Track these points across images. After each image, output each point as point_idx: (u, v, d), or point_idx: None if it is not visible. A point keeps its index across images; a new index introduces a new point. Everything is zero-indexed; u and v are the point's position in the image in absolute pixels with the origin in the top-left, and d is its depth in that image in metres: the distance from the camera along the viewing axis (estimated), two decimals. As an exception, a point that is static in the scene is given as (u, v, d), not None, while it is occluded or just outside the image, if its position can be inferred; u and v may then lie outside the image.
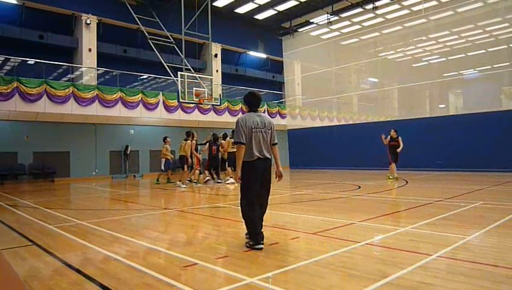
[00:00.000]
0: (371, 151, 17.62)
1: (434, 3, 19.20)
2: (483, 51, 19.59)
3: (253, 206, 4.25)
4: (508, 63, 16.84)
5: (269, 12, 23.18)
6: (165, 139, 14.31)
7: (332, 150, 19.78)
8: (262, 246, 4.14)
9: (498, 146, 14.29)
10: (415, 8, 20.17)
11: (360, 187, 10.79)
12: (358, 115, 25.25)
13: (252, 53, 26.84)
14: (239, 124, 4.26)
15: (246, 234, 4.38)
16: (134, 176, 19.93)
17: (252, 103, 4.49)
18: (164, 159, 14.20)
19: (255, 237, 4.19)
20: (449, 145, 15.60)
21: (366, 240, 4.40)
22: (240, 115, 22.76)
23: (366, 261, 3.60)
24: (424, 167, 15.90)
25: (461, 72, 19.09)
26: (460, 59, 20.05)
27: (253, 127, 4.24)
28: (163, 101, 19.19)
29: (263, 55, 27.41)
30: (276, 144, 4.45)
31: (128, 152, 19.73)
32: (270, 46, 27.01)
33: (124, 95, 17.86)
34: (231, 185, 12.44)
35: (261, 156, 4.22)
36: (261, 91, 25.38)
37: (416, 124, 16.84)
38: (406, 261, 3.56)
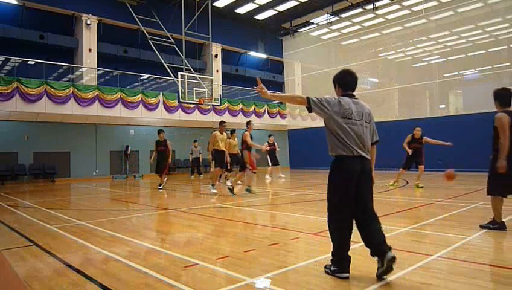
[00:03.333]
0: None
1: (434, 3, 19.21)
2: (484, 51, 19.57)
3: (341, 220, 3.26)
4: (508, 64, 16.82)
5: (269, 13, 23.20)
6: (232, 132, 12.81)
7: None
8: (347, 275, 3.20)
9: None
10: (415, 9, 20.17)
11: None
12: (358, 115, 25.17)
13: (252, 53, 26.85)
14: (326, 100, 3.27)
15: (332, 256, 3.34)
16: (135, 176, 19.94)
17: (345, 83, 3.41)
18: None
19: (339, 262, 3.23)
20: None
21: (366, 240, 4.40)
22: (240, 115, 22.46)
23: (366, 262, 3.60)
24: (424, 168, 15.88)
25: (461, 72, 19.08)
26: (460, 59, 20.03)
27: (346, 116, 3.23)
28: (164, 102, 19.20)
29: (263, 56, 27.42)
30: (377, 142, 3.46)
31: (128, 152, 19.74)
32: (270, 47, 27.04)
33: (124, 95, 17.87)
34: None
35: (355, 154, 3.21)
36: (261, 91, 25.36)
37: (416, 124, 16.81)
38: (406, 261, 3.56)
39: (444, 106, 20.73)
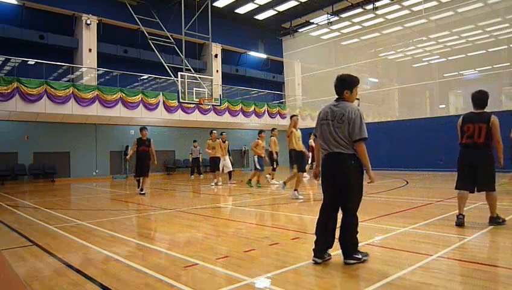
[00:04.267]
0: (370, 151, 17.64)
1: (434, 3, 19.21)
2: (484, 51, 19.59)
3: (322, 208, 3.76)
4: (508, 63, 16.84)
5: (269, 13, 23.20)
6: (260, 133, 12.26)
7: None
8: (316, 260, 3.56)
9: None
10: (415, 9, 20.18)
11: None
12: (358, 115, 25.20)
13: (252, 53, 26.85)
14: (317, 118, 3.85)
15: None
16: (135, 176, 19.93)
17: (334, 88, 3.80)
18: (257, 157, 11.87)
19: (314, 244, 3.65)
20: (449, 145, 15.57)
21: (367, 240, 4.40)
22: (240, 115, 22.35)
23: (367, 262, 3.60)
24: (424, 167, 15.91)
25: (461, 72, 19.09)
26: (460, 59, 20.05)
27: (322, 118, 3.73)
28: (164, 102, 19.20)
29: (263, 56, 27.42)
30: (358, 140, 3.54)
31: (128, 152, 19.74)
32: (270, 47, 27.04)
33: (124, 95, 17.87)
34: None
35: (329, 151, 3.63)
36: (261, 91, 25.41)
37: (416, 124, 16.85)
38: (406, 262, 3.56)
39: (444, 106, 20.75)
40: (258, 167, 11.67)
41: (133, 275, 3.45)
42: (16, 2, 17.74)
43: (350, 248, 3.56)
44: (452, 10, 18.80)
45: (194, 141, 17.98)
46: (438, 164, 15.59)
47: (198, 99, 16.32)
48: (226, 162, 13.35)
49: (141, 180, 10.53)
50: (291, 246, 4.40)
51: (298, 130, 8.79)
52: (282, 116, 24.48)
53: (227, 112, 21.60)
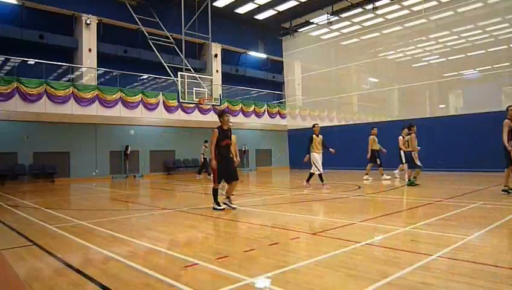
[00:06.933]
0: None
1: (434, 3, 19.22)
2: (483, 51, 19.62)
3: None
4: (508, 63, 16.87)
5: (269, 13, 23.20)
6: (411, 127, 10.79)
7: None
8: None
9: (498, 146, 14.28)
10: (415, 8, 20.19)
11: (360, 187, 10.79)
12: (358, 115, 25.28)
13: (252, 53, 26.84)
14: None
15: None
16: (135, 176, 19.94)
17: None
18: (403, 151, 10.67)
19: None
20: (449, 145, 15.58)
21: (366, 240, 4.40)
22: (240, 115, 22.56)
23: (366, 261, 3.60)
24: (424, 167, 15.91)
25: (461, 72, 19.10)
26: (460, 59, 20.09)
27: None
28: (164, 101, 19.20)
29: (263, 56, 27.42)
30: None
31: (128, 152, 19.75)
32: (270, 46, 27.04)
33: (124, 95, 17.87)
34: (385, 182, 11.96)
35: None
36: (261, 91, 25.41)
37: (416, 124, 16.82)
38: (406, 261, 3.56)
39: (444, 105, 20.76)
40: (418, 163, 10.68)
41: (133, 275, 3.44)
42: (15, 2, 17.73)
43: None
44: (452, 10, 18.82)
45: (205, 142, 17.60)
46: (438, 164, 15.59)
47: (198, 99, 16.33)
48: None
49: (229, 187, 7.39)
50: (291, 246, 4.40)
51: None
52: (282, 116, 24.47)
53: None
